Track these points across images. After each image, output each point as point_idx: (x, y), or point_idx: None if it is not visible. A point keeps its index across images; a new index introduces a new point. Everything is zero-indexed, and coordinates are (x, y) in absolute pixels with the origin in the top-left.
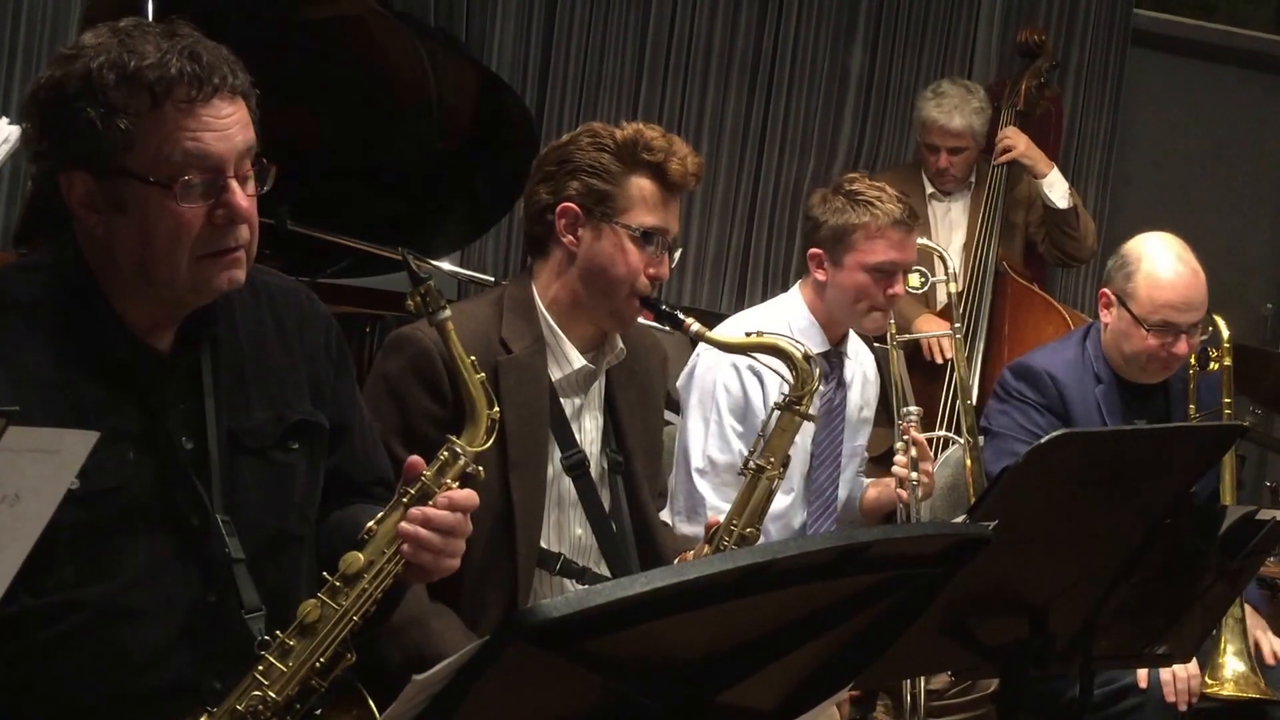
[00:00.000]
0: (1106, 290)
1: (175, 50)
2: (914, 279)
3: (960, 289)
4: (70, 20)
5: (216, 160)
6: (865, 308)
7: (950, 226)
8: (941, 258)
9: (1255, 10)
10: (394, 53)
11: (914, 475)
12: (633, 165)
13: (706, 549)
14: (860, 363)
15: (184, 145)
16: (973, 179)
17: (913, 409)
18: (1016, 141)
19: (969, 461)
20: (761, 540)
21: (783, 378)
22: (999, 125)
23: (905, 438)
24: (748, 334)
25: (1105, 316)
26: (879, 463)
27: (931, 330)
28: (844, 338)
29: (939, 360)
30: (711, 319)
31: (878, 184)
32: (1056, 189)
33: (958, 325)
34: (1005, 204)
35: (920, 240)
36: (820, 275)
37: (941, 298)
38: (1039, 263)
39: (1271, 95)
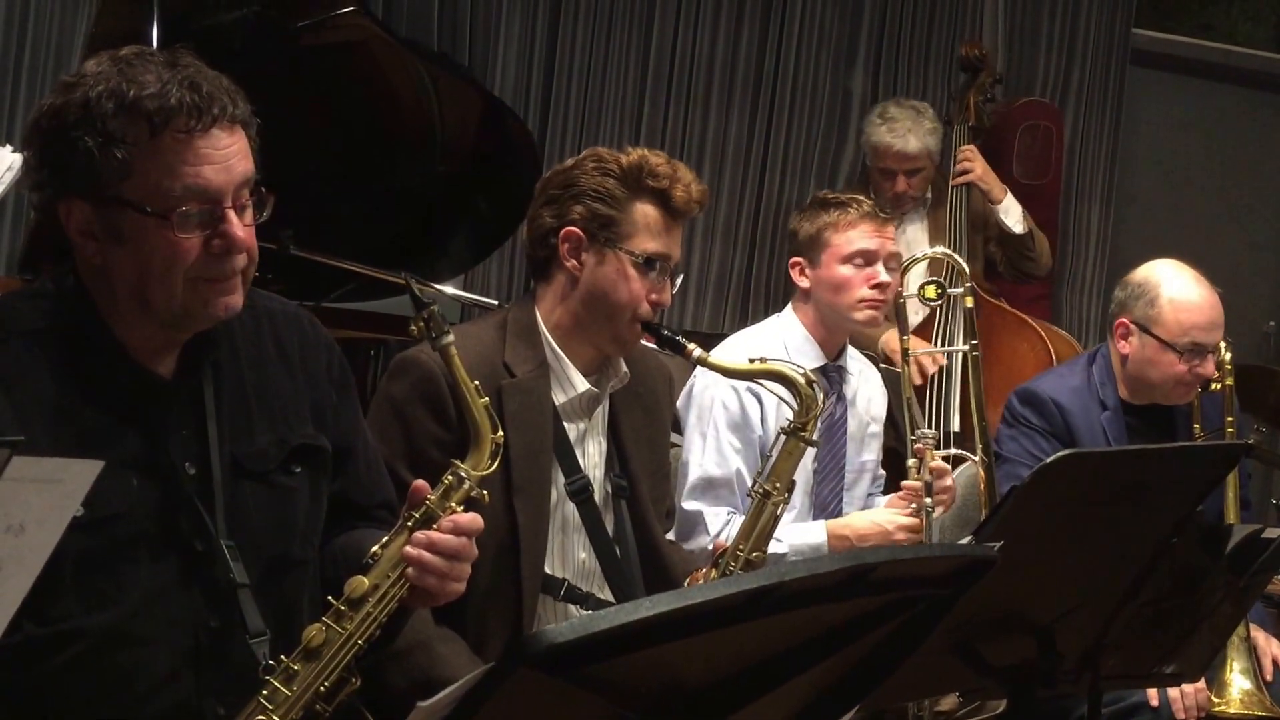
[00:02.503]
0: (1125, 320)
1: (175, 80)
2: (930, 290)
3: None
4: (75, 48)
5: (215, 192)
6: (852, 301)
7: (908, 247)
8: (960, 270)
9: (1255, 29)
10: (397, 77)
11: (929, 501)
12: (637, 191)
13: (713, 573)
14: (863, 378)
15: (182, 176)
16: (928, 196)
17: (927, 431)
18: (974, 164)
19: (983, 481)
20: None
21: (786, 402)
22: (954, 144)
23: (918, 459)
24: (751, 360)
25: (1124, 347)
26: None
27: (919, 348)
28: (842, 352)
29: (929, 370)
30: (714, 341)
31: (850, 192)
32: (1012, 214)
33: (974, 342)
34: (968, 223)
35: (939, 249)
36: (804, 282)
37: (913, 317)
38: (1021, 279)
39: (1272, 113)
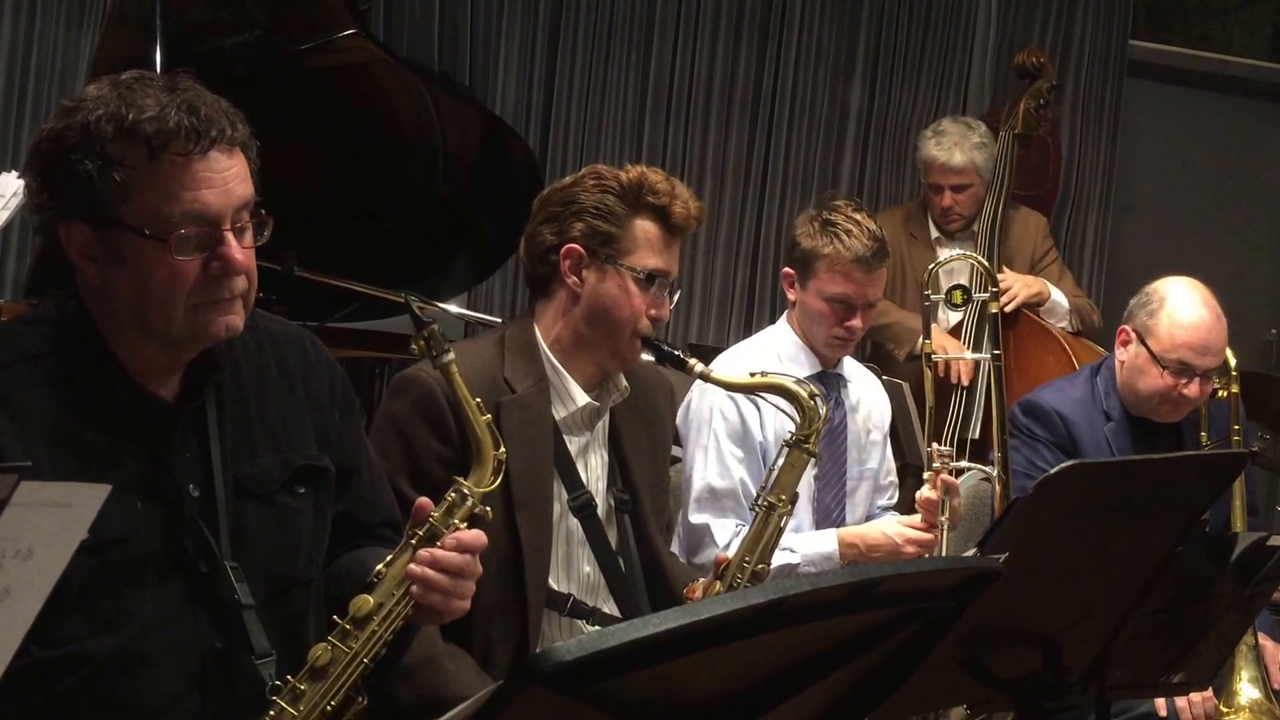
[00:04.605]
0: (1127, 327)
1: (174, 103)
2: (957, 295)
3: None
4: (78, 74)
5: (213, 215)
6: (825, 335)
7: (952, 273)
8: (990, 275)
9: (1250, 38)
10: (399, 98)
11: (944, 518)
12: (637, 208)
13: (718, 585)
14: (862, 385)
15: (181, 200)
16: (988, 219)
17: (945, 449)
18: (1013, 283)
19: (999, 494)
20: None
21: (788, 415)
22: (998, 150)
23: (935, 475)
24: (752, 374)
25: (1121, 353)
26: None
27: (951, 351)
28: (839, 360)
29: (963, 382)
30: (715, 356)
31: (856, 215)
32: (1057, 313)
33: (997, 353)
34: (1001, 245)
35: (967, 253)
36: (791, 294)
37: (941, 319)
38: None
39: (1269, 122)
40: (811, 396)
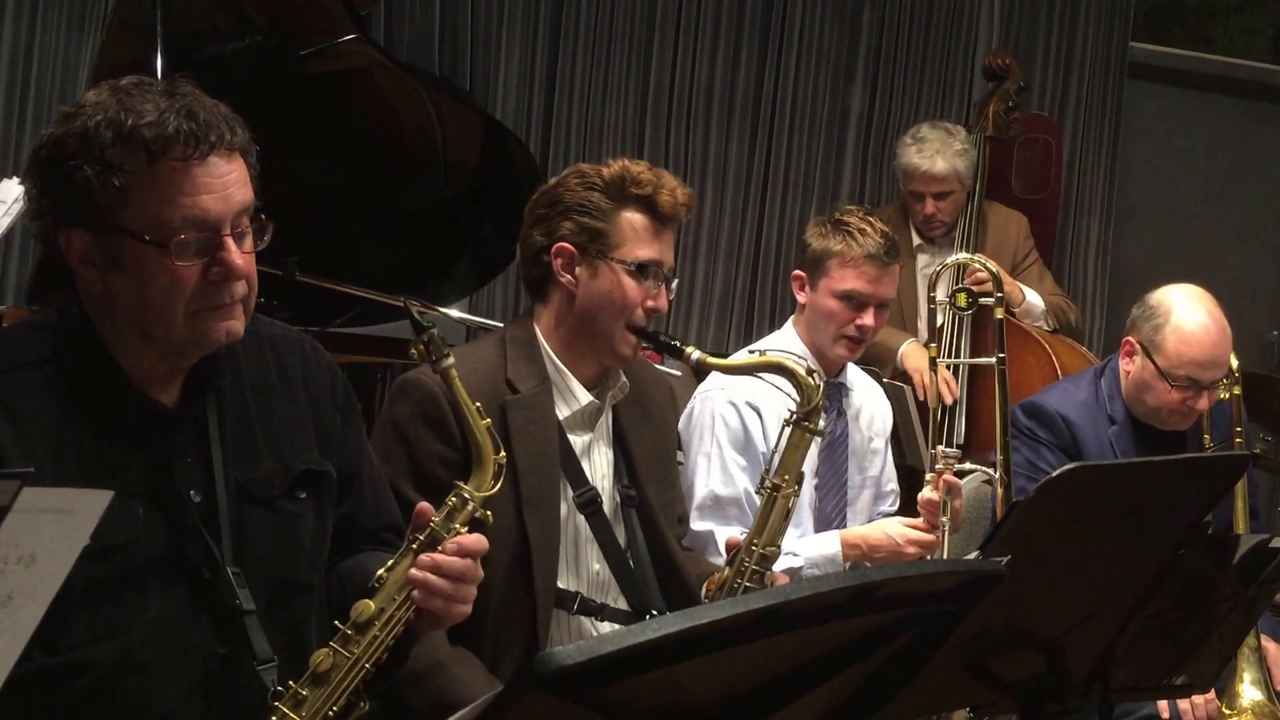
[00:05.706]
0: (1131, 339)
1: (173, 109)
2: (961, 298)
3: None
4: (79, 81)
5: (213, 220)
6: (834, 333)
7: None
8: (996, 279)
9: (1252, 40)
10: (400, 103)
11: (944, 519)
12: (622, 201)
13: (727, 571)
14: (864, 393)
15: (180, 205)
16: (962, 225)
17: (951, 451)
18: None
19: (1001, 496)
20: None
21: (788, 395)
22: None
23: (937, 477)
24: (751, 351)
25: (1126, 363)
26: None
27: (919, 362)
28: (842, 369)
29: (947, 402)
30: None
31: (870, 218)
32: (1033, 314)
33: (1002, 355)
34: (980, 247)
35: (969, 256)
36: (801, 297)
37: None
38: None
39: (1270, 124)
40: (809, 373)
